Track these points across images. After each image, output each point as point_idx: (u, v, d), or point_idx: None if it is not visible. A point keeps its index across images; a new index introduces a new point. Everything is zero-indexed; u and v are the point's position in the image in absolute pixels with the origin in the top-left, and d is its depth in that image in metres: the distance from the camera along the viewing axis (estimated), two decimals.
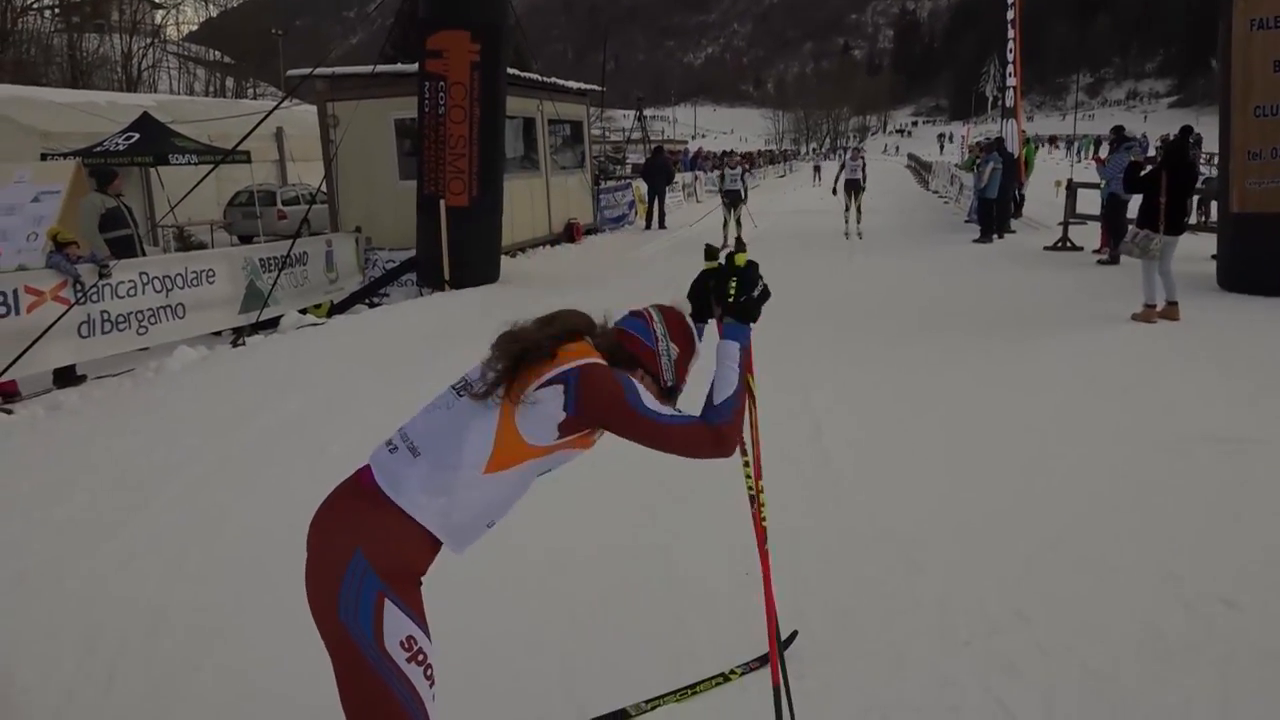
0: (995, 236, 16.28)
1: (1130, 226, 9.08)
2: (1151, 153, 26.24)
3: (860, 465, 5.33)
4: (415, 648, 1.94)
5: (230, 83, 67.38)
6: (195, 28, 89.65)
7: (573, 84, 18.71)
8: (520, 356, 2.02)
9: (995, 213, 16.48)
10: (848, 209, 17.76)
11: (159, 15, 72.63)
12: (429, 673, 1.97)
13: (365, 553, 1.93)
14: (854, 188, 17.72)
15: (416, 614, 1.97)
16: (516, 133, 15.97)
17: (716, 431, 2.05)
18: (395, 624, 1.92)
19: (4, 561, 4.36)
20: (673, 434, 2.02)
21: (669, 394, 2.21)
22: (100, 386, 7.87)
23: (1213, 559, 4.00)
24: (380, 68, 13.42)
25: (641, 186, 22.81)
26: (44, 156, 19.75)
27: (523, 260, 15.15)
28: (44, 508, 5.05)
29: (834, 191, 18.48)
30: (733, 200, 17.40)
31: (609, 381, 2.02)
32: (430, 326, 9.83)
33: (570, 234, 17.78)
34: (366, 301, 12.43)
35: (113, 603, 3.93)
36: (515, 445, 2.01)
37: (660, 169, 21.96)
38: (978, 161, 17.79)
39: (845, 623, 3.58)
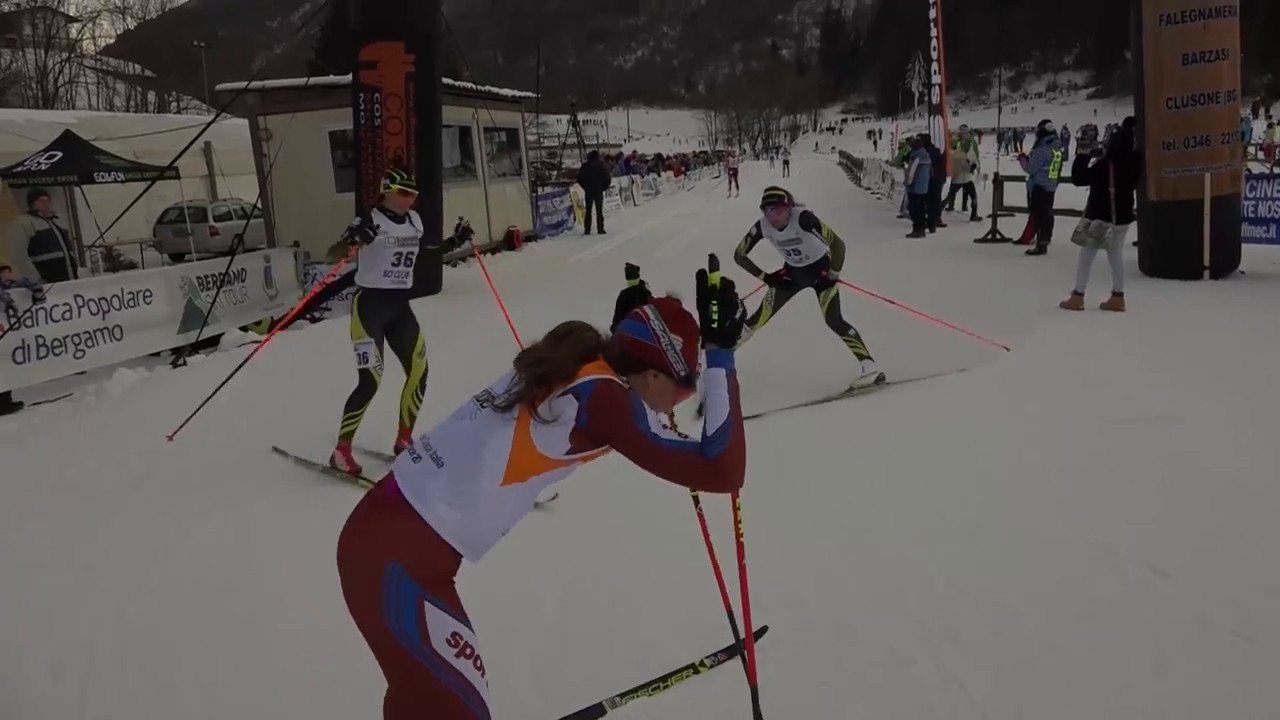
0: (927, 231, 16.68)
1: (1080, 217, 9.37)
2: (1075, 144, 27.03)
3: (801, 457, 5.50)
4: (461, 642, 2.07)
5: (152, 97, 65.84)
6: (112, 41, 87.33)
7: (507, 91, 18.74)
8: (543, 378, 2.10)
9: (926, 208, 16.88)
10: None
11: (74, 29, 70.67)
12: (478, 663, 2.10)
13: (400, 563, 2.03)
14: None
15: (456, 610, 2.10)
16: (453, 142, 15.95)
17: (715, 463, 2.01)
18: (439, 623, 2.04)
19: None
20: (669, 459, 2.02)
21: (686, 382, 2.21)
22: (39, 413, 7.72)
23: (1142, 531, 4.24)
24: (313, 80, 13.31)
25: (579, 192, 22.90)
26: None
27: (464, 270, 15.10)
28: None
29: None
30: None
31: (619, 398, 2.06)
32: None
33: (511, 241, 17.79)
34: (308, 317, 12.31)
35: (78, 623, 3.92)
36: (530, 457, 2.09)
37: (597, 174, 22.07)
38: (906, 158, 18.19)
39: (799, 608, 3.72)
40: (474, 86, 16.38)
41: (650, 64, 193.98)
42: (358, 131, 11.83)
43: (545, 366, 2.11)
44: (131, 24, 78.82)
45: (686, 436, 2.10)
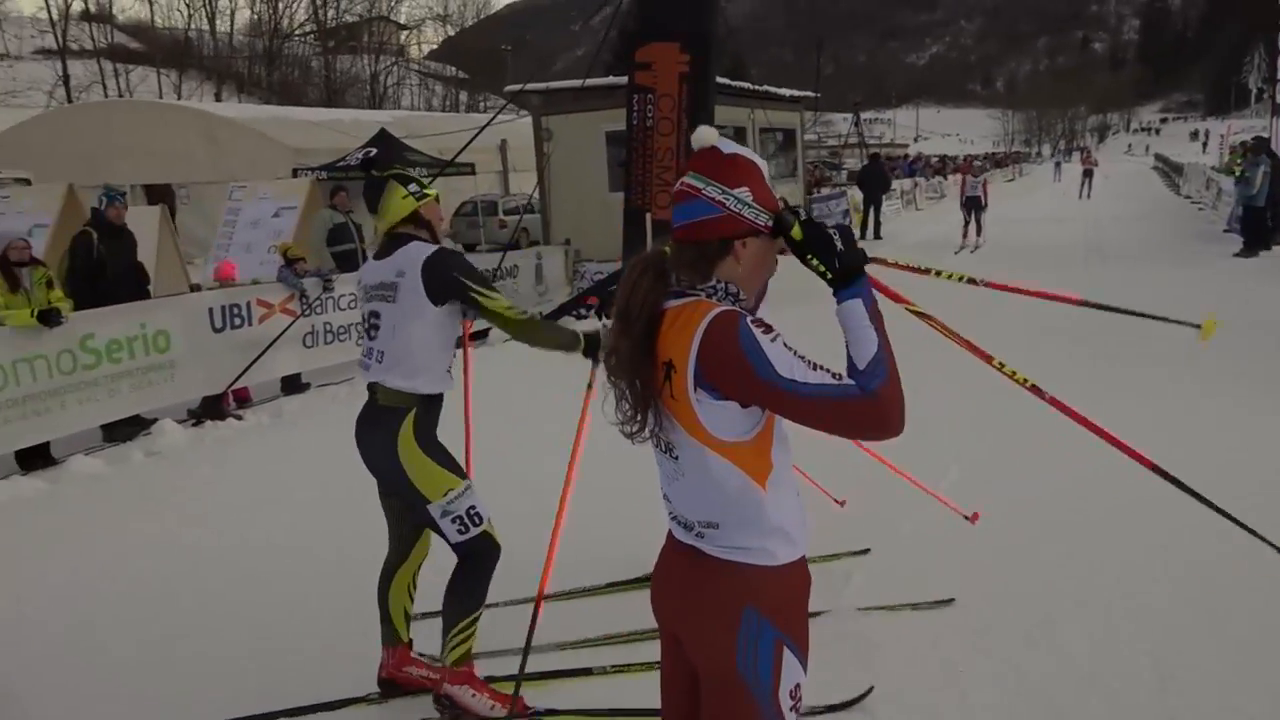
0: (1263, 250, 14.42)
1: None
2: None
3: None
4: (799, 695, 1.84)
5: (464, 97, 71.47)
6: (435, 46, 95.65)
7: (785, 91, 18.28)
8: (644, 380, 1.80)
9: (1265, 223, 14.59)
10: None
11: (403, 35, 77.98)
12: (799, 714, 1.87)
13: (758, 609, 1.77)
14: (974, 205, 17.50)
15: (805, 654, 1.84)
16: None
17: (874, 401, 1.63)
18: (791, 672, 1.81)
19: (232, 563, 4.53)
20: (816, 407, 1.64)
21: (781, 227, 1.78)
22: (320, 395, 8.27)
23: None
24: (590, 81, 13.56)
25: (857, 195, 22.04)
26: (295, 172, 21.51)
27: None
28: (278, 500, 5.26)
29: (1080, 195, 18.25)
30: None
31: (725, 349, 1.67)
32: None
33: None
34: (573, 314, 12.56)
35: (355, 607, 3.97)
36: (744, 450, 1.75)
37: (876, 177, 21.13)
38: (1242, 164, 15.89)
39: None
40: (751, 87, 16.10)
41: (945, 60, 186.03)
42: (630, 132, 11.85)
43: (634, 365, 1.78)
44: (451, 30, 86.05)
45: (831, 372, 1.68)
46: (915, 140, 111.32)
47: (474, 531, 3.08)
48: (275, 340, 8.02)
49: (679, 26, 11.47)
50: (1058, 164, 54.32)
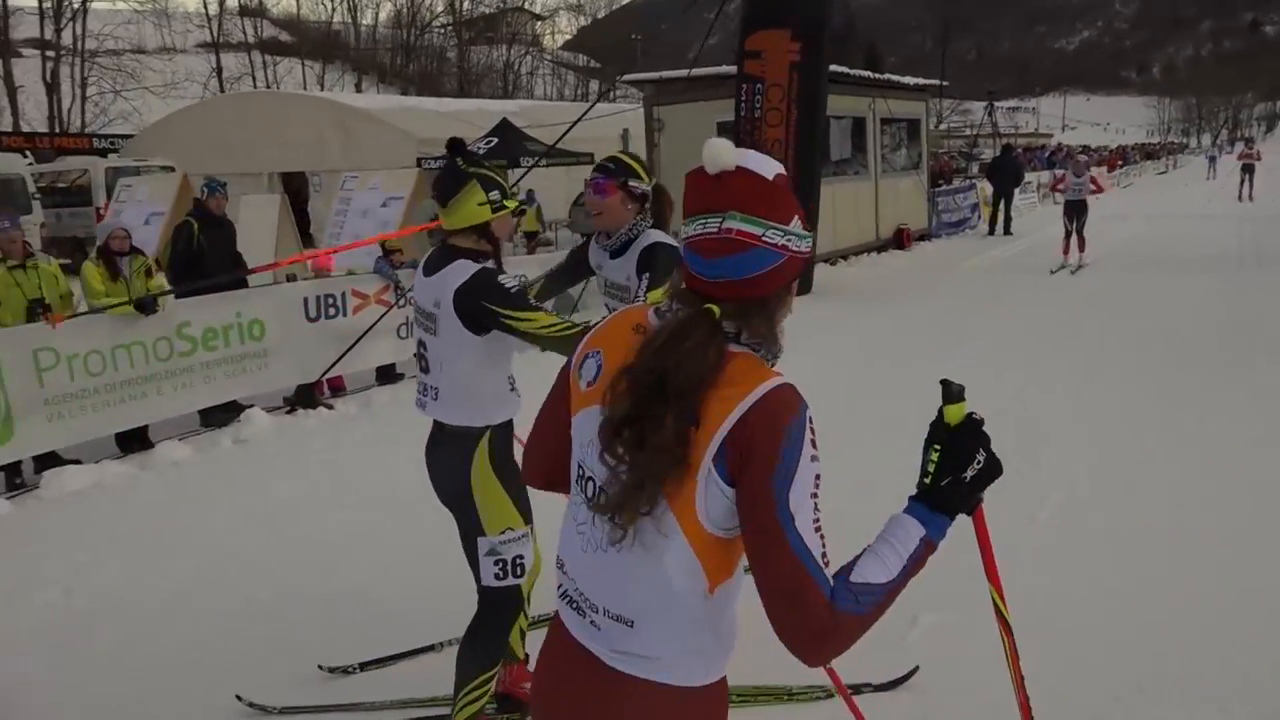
0: None
1: None
2: None
3: None
4: None
5: (594, 86, 72.21)
6: (570, 36, 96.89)
7: (909, 79, 17.52)
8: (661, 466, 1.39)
9: None
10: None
11: (538, 25, 79.29)
12: None
13: None
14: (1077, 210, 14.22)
15: None
16: (844, 134, 15.20)
17: (832, 617, 1.30)
18: None
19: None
20: (787, 564, 1.30)
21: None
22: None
23: None
24: (698, 70, 13.29)
25: (986, 188, 21.02)
26: (419, 162, 22.03)
27: (843, 269, 14.40)
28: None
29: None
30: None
31: (775, 427, 1.33)
32: None
33: (900, 240, 16.72)
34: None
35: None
36: (714, 539, 1.40)
37: (1008, 169, 20.06)
38: None
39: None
40: (871, 75, 15.48)
41: (1097, 46, 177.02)
42: (738, 123, 11.55)
43: (658, 455, 1.34)
44: (585, 20, 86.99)
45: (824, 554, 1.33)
46: (1062, 129, 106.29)
47: (509, 581, 2.83)
48: (368, 330, 8.11)
49: (790, 13, 11.10)
50: (1211, 159, 44.29)
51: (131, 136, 29.75)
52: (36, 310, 5.92)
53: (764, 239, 1.39)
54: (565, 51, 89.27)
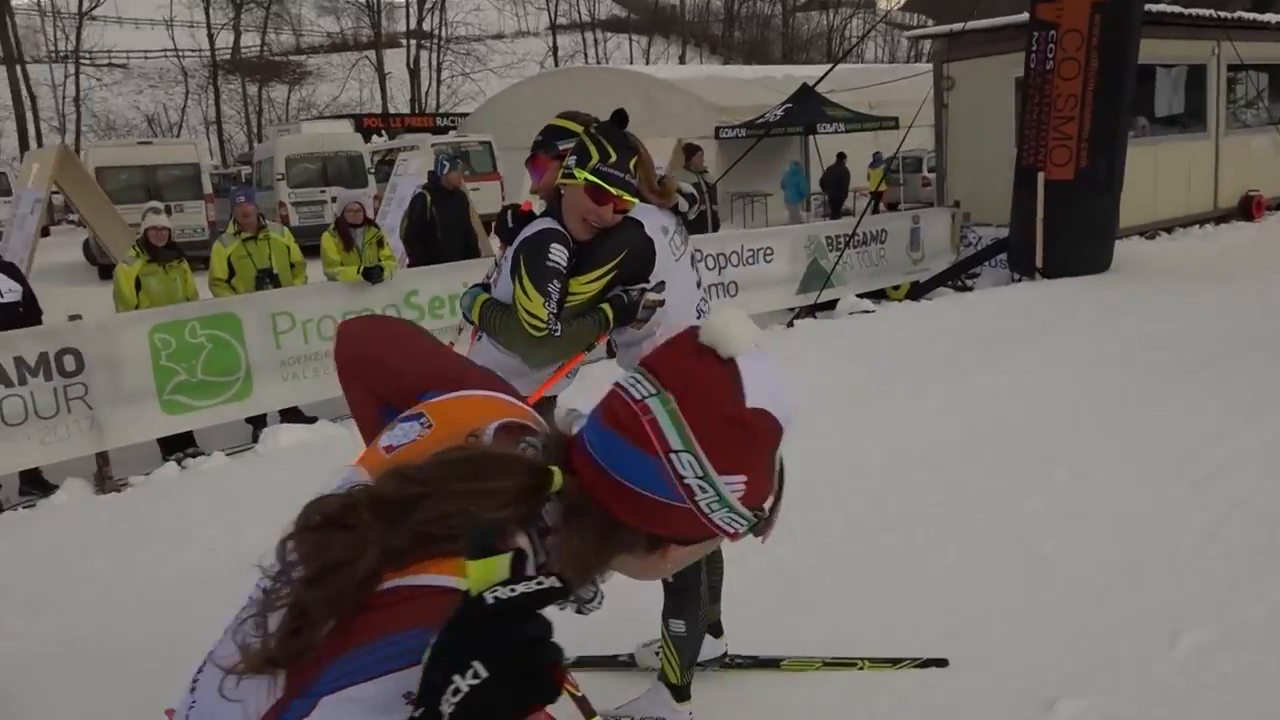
0: None
1: None
2: None
3: None
4: None
5: (926, 47, 68.51)
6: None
7: (1271, 17, 14.62)
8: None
9: None
10: None
11: None
12: None
13: None
14: None
15: None
16: (1175, 85, 13.02)
17: None
18: None
19: None
20: None
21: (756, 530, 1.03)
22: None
23: None
24: (990, 21, 11.89)
25: None
26: (717, 131, 21.93)
27: (1163, 243, 12.43)
28: None
29: None
30: None
31: None
32: (989, 323, 8.47)
33: (1246, 210, 14.17)
34: (952, 284, 11.32)
35: None
36: None
37: None
38: None
39: None
40: (1215, 14, 13.08)
41: None
42: (1027, 76, 10.22)
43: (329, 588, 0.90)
44: None
45: None
46: None
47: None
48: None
49: None
50: None
51: (468, 115, 32.42)
52: (264, 280, 6.44)
53: (671, 460, 0.95)
54: (903, 12, 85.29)
